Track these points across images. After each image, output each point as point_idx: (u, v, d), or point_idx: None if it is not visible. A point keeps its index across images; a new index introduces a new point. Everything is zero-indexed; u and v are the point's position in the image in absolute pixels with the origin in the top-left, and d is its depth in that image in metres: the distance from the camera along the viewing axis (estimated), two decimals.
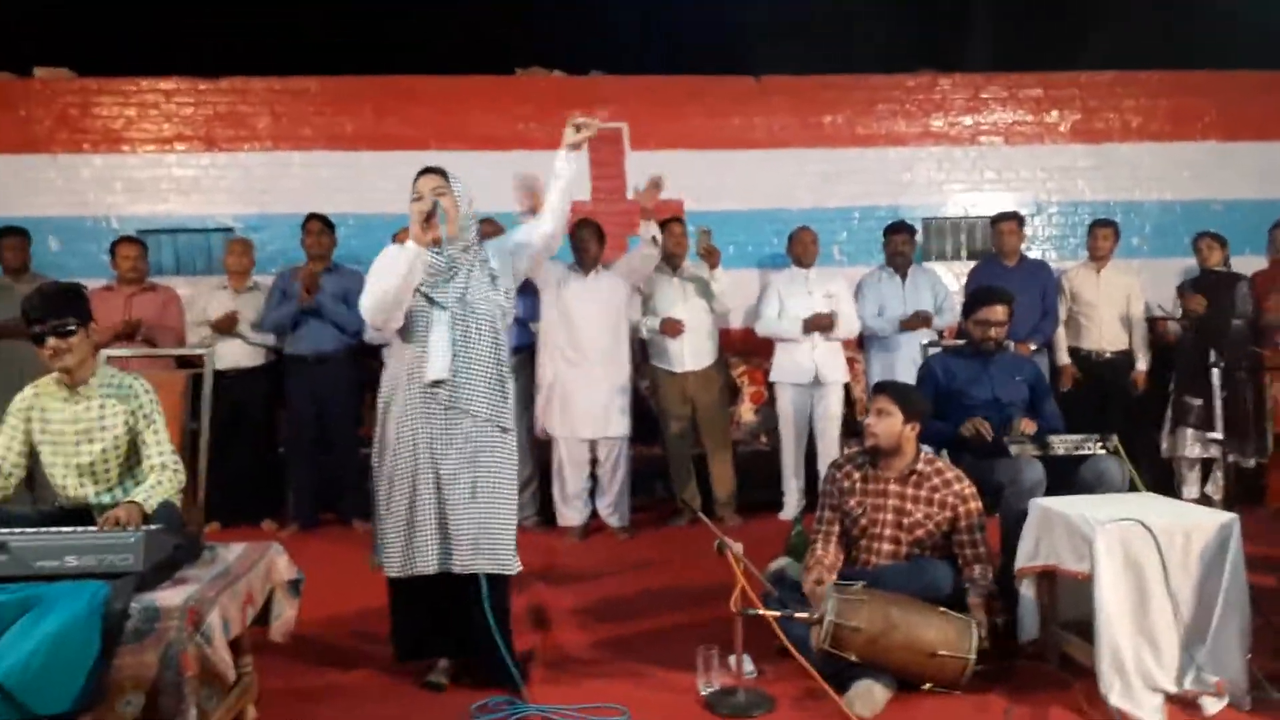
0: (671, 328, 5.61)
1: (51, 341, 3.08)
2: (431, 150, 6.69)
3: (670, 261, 5.75)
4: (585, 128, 3.44)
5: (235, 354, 5.78)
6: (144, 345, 5.57)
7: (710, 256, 5.64)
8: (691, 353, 5.72)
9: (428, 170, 3.33)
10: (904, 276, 6.08)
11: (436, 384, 3.21)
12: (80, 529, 2.78)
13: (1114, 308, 6.12)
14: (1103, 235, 6.16)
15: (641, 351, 5.96)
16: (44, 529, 2.76)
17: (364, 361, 5.96)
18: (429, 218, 3.18)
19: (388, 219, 6.46)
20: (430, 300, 3.26)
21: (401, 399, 3.27)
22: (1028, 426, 3.94)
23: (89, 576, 2.58)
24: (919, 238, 6.46)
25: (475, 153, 6.60)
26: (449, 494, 3.20)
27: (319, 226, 5.90)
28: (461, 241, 3.31)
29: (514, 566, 3.27)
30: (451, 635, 3.34)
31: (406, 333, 3.29)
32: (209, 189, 6.82)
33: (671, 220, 5.85)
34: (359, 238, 6.66)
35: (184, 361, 5.51)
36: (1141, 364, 6.12)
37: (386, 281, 3.17)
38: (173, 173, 6.80)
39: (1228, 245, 6.05)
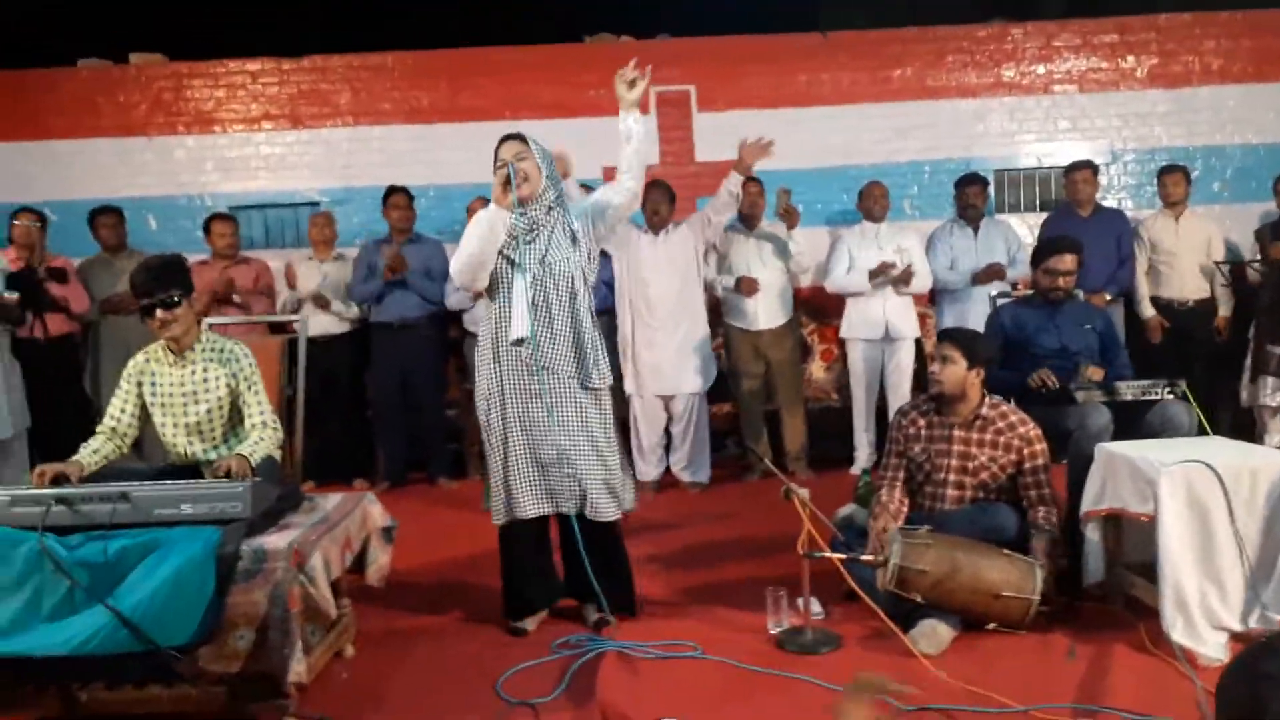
0: (748, 286, 5.70)
1: (159, 313, 3.29)
2: (505, 120, 6.83)
3: (746, 221, 5.84)
4: (637, 81, 3.48)
5: (323, 322, 6.03)
6: (239, 310, 5.88)
7: (789, 217, 5.69)
8: (765, 311, 5.80)
9: (509, 137, 3.47)
10: (976, 229, 6.06)
11: (518, 342, 3.38)
12: (193, 481, 3.03)
13: (1195, 256, 6.03)
14: (1172, 182, 6.06)
15: (715, 310, 6.07)
16: (160, 481, 3.02)
17: (448, 327, 6.19)
18: (507, 182, 3.33)
19: (465, 189, 6.67)
20: (511, 263, 3.42)
21: (489, 357, 3.45)
22: (1094, 373, 3.96)
23: (202, 523, 2.82)
24: (991, 190, 6.42)
25: (548, 120, 6.72)
26: (539, 446, 3.39)
27: (405, 201, 6.12)
28: (544, 203, 3.44)
29: (607, 514, 3.44)
30: (556, 581, 3.58)
31: (491, 294, 3.47)
32: (295, 165, 7.10)
33: (748, 180, 5.92)
34: (438, 208, 6.90)
35: (276, 328, 5.83)
36: (1224, 310, 6.05)
37: (470, 243, 3.36)
38: (260, 150, 7.10)
39: None
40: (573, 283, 3.44)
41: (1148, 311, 6.07)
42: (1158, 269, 6.10)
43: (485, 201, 5.87)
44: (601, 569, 3.45)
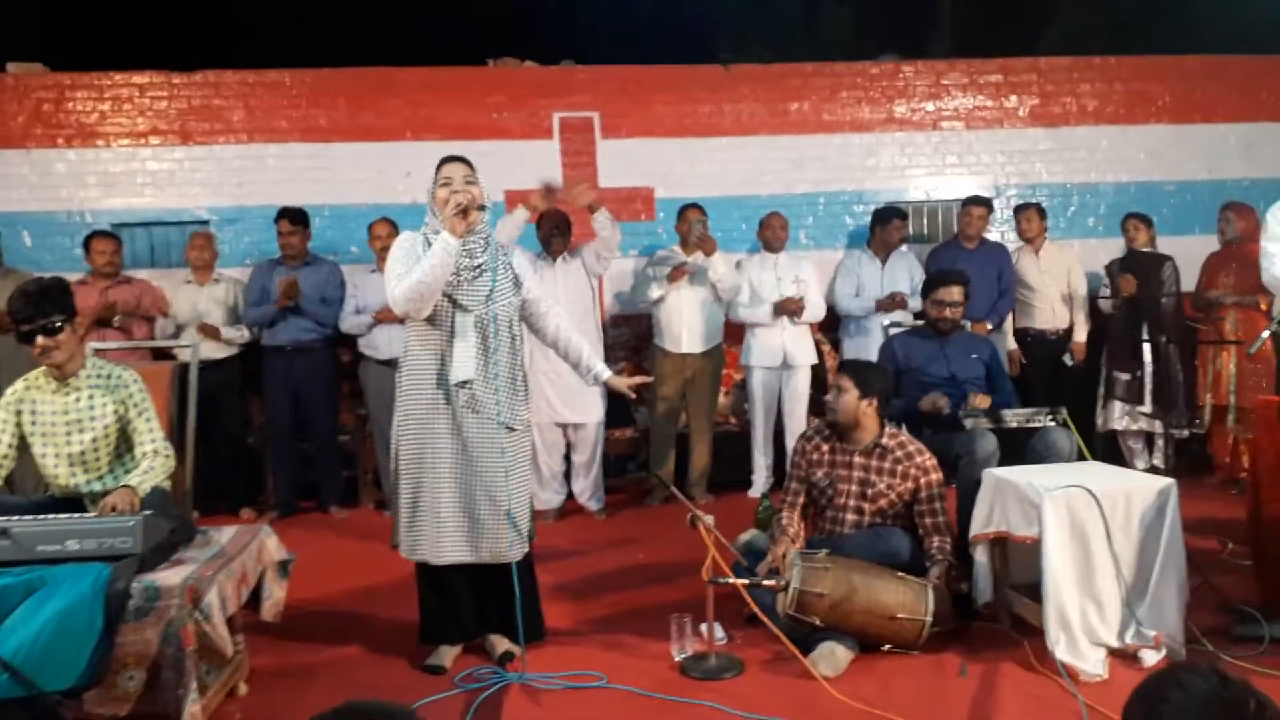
0: (676, 274, 5.77)
1: (40, 340, 3.15)
2: (406, 140, 6.81)
3: (687, 246, 5.93)
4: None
5: (206, 345, 5.78)
6: (120, 333, 5.63)
7: (704, 244, 5.79)
8: (689, 334, 5.87)
9: (454, 158, 3.33)
10: (884, 260, 6.25)
11: (462, 384, 3.28)
12: (79, 514, 2.91)
13: (1057, 287, 6.34)
14: (1025, 219, 6.40)
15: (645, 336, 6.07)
16: (41, 516, 2.88)
17: (341, 350, 6.07)
18: (467, 211, 3.18)
19: (363, 209, 6.60)
20: (456, 303, 3.28)
21: (422, 394, 3.33)
22: (981, 401, 4.13)
23: (90, 559, 2.71)
24: None
25: (449, 142, 6.60)
26: (462, 488, 3.31)
27: (289, 227, 5.93)
28: (482, 235, 3.32)
29: (510, 556, 3.34)
30: (471, 618, 3.48)
31: (431, 330, 3.32)
32: (183, 182, 6.85)
33: (689, 207, 5.99)
34: (335, 228, 6.77)
35: (160, 353, 5.61)
36: (1078, 335, 6.36)
37: (425, 275, 3.16)
38: (147, 166, 6.84)
39: (1154, 226, 6.31)
40: (512, 325, 3.41)
41: (1010, 345, 6.31)
42: (1025, 302, 6.39)
43: (389, 222, 5.92)
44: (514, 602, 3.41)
